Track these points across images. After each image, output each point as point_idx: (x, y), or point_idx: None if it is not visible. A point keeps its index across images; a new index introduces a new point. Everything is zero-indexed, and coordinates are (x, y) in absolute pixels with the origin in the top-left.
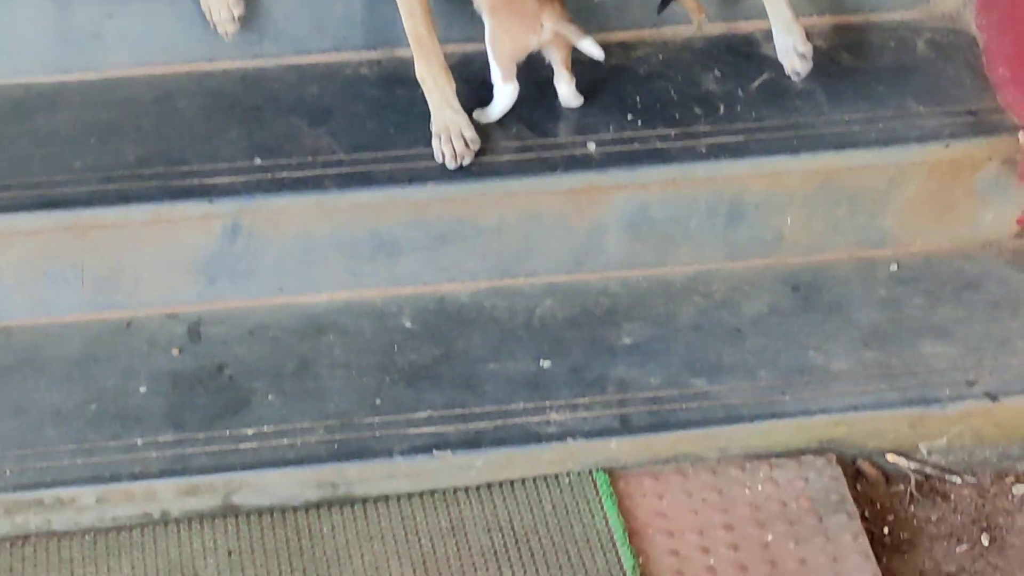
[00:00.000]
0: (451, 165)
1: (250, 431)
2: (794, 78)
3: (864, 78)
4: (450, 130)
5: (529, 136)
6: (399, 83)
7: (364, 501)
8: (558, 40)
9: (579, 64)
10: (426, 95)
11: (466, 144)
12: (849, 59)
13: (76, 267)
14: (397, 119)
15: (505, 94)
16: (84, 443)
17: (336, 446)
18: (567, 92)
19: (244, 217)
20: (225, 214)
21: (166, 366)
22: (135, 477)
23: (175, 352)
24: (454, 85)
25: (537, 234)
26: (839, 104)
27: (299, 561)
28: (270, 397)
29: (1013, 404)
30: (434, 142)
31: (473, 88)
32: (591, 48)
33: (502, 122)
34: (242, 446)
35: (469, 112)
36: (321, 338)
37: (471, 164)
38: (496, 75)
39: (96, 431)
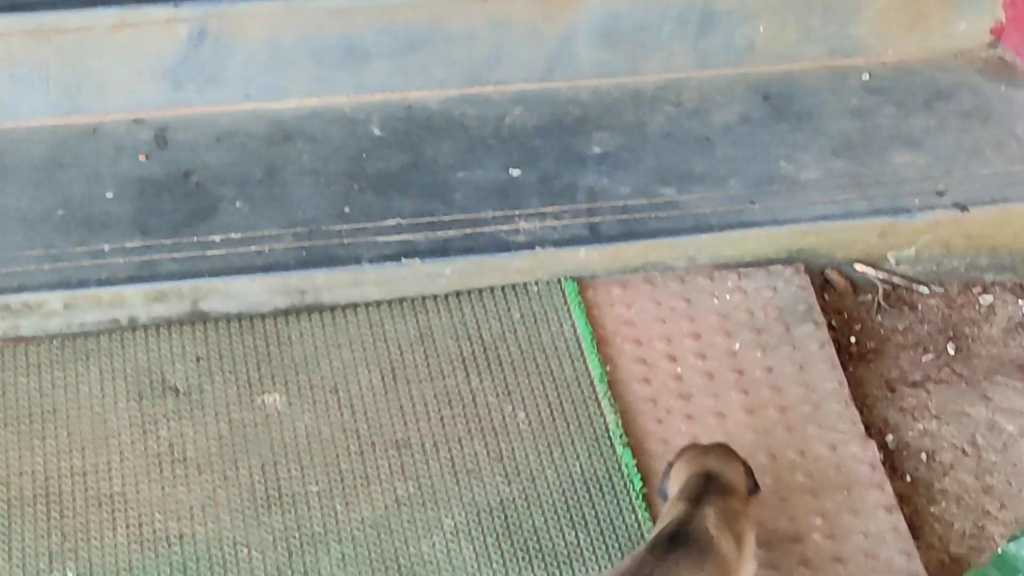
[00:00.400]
0: None
1: (218, 238)
2: None
3: None
4: None
5: None
6: None
7: (332, 309)
8: None
9: None
10: None
11: None
12: None
13: (41, 71)
14: None
15: None
16: (51, 248)
17: (304, 253)
18: None
19: (210, 21)
20: (191, 18)
21: (133, 172)
22: (103, 283)
23: (142, 158)
24: None
25: (508, 41)
26: None
27: (267, 367)
28: (238, 204)
29: (982, 214)
30: None
31: None
32: None
33: None
34: (210, 253)
35: None
36: (289, 145)
37: None
38: None
39: (63, 237)
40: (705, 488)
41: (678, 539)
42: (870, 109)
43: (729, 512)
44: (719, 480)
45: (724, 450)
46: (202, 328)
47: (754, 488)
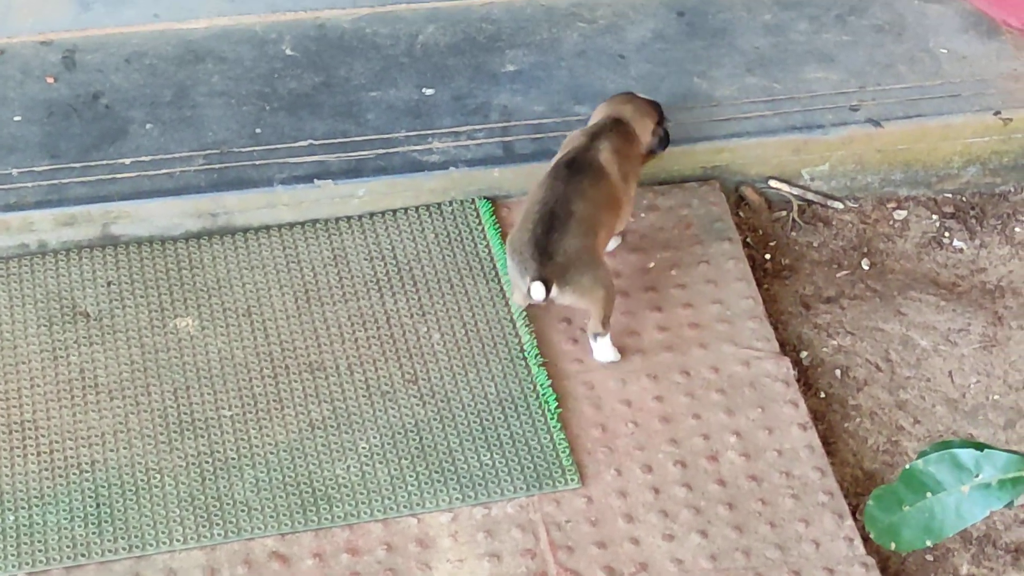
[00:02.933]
0: None
1: (128, 161)
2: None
3: None
4: None
5: None
6: None
7: (245, 231)
8: None
9: None
10: None
11: None
12: None
13: None
14: None
15: None
16: None
17: (216, 175)
18: None
19: None
20: None
21: (41, 94)
22: (11, 208)
23: (50, 80)
24: None
25: None
26: None
27: (179, 291)
28: (148, 126)
29: (896, 129)
30: None
31: None
32: None
33: None
34: (120, 176)
35: None
36: (199, 66)
37: None
38: None
39: None
40: (609, 128)
41: (573, 165)
42: (783, 24)
43: (622, 153)
44: (625, 126)
45: (646, 106)
46: (113, 252)
47: (657, 147)
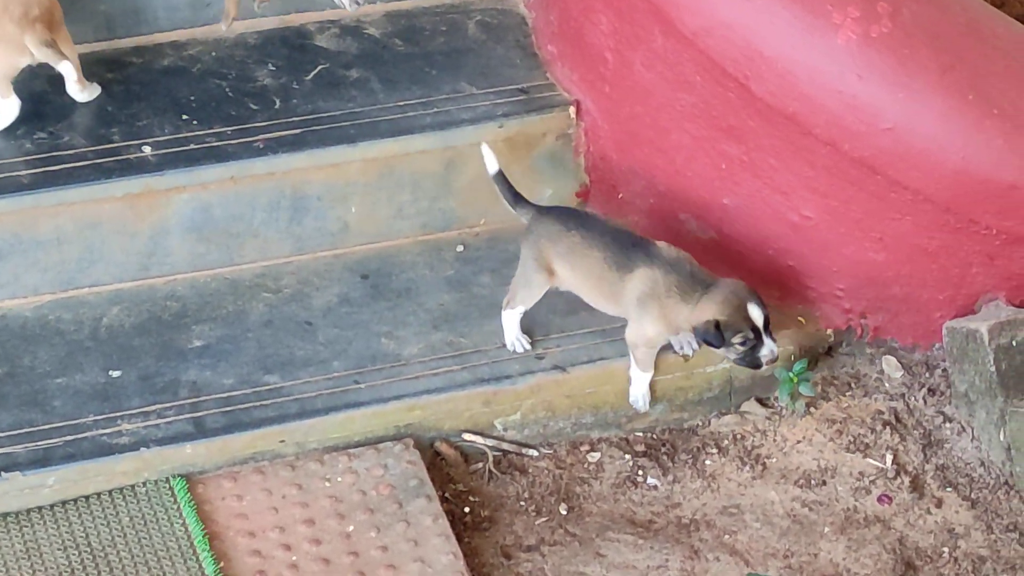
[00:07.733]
0: None
1: None
2: (352, 9)
3: (418, 63)
4: None
5: (82, 144)
6: None
7: None
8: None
9: (128, 66)
10: None
11: None
12: (402, 45)
13: None
14: None
15: (5, 110)
16: None
17: None
18: (77, 93)
19: None
20: None
21: None
22: None
23: None
24: None
25: (98, 242)
26: (394, 91)
27: None
28: None
29: (581, 374)
30: None
31: None
32: (70, 74)
33: (52, 131)
34: None
35: None
36: None
37: (23, 176)
38: None
39: None
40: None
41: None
42: (466, 279)
43: (663, 306)
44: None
45: (723, 299)
46: None
47: (701, 337)
